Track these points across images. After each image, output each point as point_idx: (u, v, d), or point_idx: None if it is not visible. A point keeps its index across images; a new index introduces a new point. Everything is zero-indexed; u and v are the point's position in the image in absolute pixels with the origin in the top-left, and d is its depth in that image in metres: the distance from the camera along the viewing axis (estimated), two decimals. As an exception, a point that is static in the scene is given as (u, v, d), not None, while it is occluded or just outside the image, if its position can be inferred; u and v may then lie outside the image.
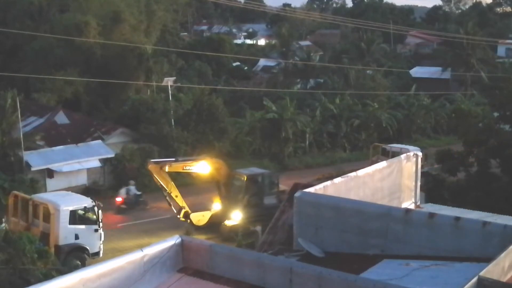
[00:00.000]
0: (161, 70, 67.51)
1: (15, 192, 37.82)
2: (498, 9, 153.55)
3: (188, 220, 41.48)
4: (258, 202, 41.85)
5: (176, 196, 41.39)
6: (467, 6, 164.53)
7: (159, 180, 40.78)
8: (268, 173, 44.88)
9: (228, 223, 41.08)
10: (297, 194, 18.18)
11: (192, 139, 55.20)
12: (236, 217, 41.22)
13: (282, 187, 43.46)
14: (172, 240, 14.47)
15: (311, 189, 18.59)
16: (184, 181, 47.73)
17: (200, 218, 41.85)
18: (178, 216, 41.58)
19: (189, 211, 41.62)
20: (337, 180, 19.48)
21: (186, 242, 14.60)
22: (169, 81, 63.74)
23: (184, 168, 41.95)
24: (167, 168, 40.61)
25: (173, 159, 42.98)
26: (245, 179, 42.18)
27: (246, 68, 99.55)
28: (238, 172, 43.43)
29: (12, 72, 57.47)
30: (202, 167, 41.88)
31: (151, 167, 41.10)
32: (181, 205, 41.55)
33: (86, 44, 63.92)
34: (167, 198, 41.30)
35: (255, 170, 45.58)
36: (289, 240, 18.30)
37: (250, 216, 40.80)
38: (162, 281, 14.07)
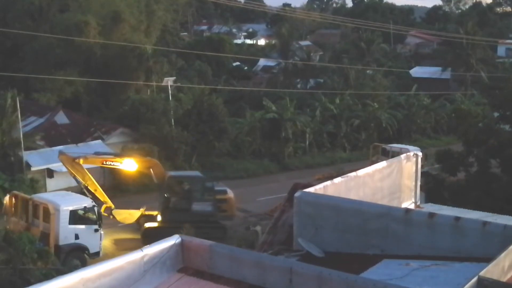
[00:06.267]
0: (161, 70, 67.46)
1: (15, 192, 37.95)
2: (498, 9, 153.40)
3: (111, 216, 39.72)
4: (184, 207, 40.19)
5: (95, 190, 39.72)
6: (467, 6, 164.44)
7: (72, 172, 39.62)
8: (200, 178, 42.91)
9: (147, 225, 39.69)
10: (297, 194, 18.18)
11: (192, 139, 55.21)
12: (157, 220, 39.97)
13: (229, 195, 41.98)
14: (172, 240, 14.46)
15: (311, 189, 18.59)
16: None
17: (126, 216, 40.21)
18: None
19: (112, 207, 39.94)
20: (337, 180, 19.47)
21: (186, 242, 14.59)
22: (169, 81, 63.76)
23: (105, 163, 40.48)
24: (81, 161, 39.21)
25: (92, 153, 41.60)
26: (166, 179, 40.62)
27: (246, 68, 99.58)
28: (167, 173, 41.71)
29: (12, 72, 57.53)
30: (128, 165, 40.38)
31: (62, 157, 40.02)
32: (102, 200, 39.71)
33: (86, 44, 63.93)
34: (84, 191, 39.44)
35: (188, 173, 43.92)
36: (289, 240, 18.29)
37: (174, 220, 38.50)
38: (162, 281, 14.06)
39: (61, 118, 56.51)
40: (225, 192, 42.32)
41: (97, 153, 41.55)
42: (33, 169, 47.03)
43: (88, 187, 39.58)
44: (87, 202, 35.87)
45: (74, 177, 39.89)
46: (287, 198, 20.57)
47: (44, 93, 61.44)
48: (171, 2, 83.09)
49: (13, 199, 36.89)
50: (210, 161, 56.17)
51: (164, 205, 40.46)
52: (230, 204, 41.93)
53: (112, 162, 40.47)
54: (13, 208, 36.77)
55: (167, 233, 33.19)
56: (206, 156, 56.55)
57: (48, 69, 61.19)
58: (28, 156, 47.61)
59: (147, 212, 40.81)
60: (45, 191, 44.27)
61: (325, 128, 66.68)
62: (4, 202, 37.47)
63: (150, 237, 35.33)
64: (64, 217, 34.36)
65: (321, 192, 18.55)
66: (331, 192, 18.70)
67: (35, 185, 44.54)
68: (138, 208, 40.96)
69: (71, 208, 34.75)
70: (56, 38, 62.43)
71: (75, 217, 34.82)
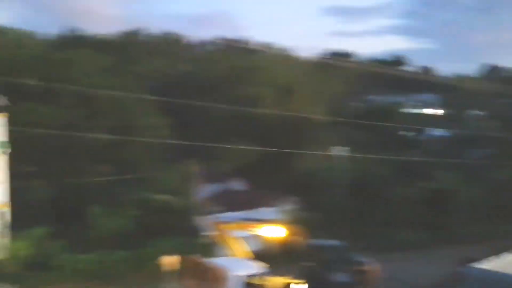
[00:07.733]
0: (330, 140, 68.22)
1: (189, 255, 39.51)
2: None
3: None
4: (322, 277, 38.73)
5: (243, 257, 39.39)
6: None
7: (219, 237, 40.34)
8: (338, 247, 41.24)
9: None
10: (464, 269, 18.09)
11: (359, 209, 55.42)
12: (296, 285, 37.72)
13: (370, 266, 39.99)
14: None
15: (479, 265, 18.38)
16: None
17: (273, 283, 37.27)
18: None
19: None
20: (509, 256, 19.10)
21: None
22: (338, 151, 64.32)
23: (246, 229, 40.51)
24: (223, 227, 39.80)
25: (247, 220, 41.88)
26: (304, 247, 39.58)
27: (413, 135, 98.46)
28: (307, 241, 40.17)
29: (190, 140, 59.96)
30: (269, 232, 40.09)
31: (210, 223, 41.54)
32: None
33: (259, 115, 65.78)
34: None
35: (326, 242, 42.22)
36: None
37: None
38: None
39: (237, 185, 58.48)
40: (364, 263, 40.82)
41: (244, 220, 42.05)
42: (206, 233, 48.55)
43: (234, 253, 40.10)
44: (259, 268, 36.35)
45: (222, 242, 40.80)
46: (455, 273, 20.43)
47: (221, 161, 63.50)
48: (342, 73, 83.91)
49: (185, 262, 38.37)
50: (367, 230, 55.62)
51: (302, 274, 39.00)
52: (370, 276, 40.37)
53: (252, 228, 40.69)
54: (184, 271, 38.11)
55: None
56: (364, 226, 56.10)
57: (223, 138, 63.32)
58: (203, 220, 49.43)
59: (293, 281, 38.68)
60: (217, 255, 45.49)
61: (495, 200, 64.90)
62: (171, 264, 38.99)
63: None
64: (235, 282, 35.07)
65: (490, 267, 18.28)
66: (501, 268, 18.36)
67: (207, 249, 46.04)
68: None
69: (242, 273, 35.42)
70: (231, 109, 64.64)
71: (247, 283, 35.21)
